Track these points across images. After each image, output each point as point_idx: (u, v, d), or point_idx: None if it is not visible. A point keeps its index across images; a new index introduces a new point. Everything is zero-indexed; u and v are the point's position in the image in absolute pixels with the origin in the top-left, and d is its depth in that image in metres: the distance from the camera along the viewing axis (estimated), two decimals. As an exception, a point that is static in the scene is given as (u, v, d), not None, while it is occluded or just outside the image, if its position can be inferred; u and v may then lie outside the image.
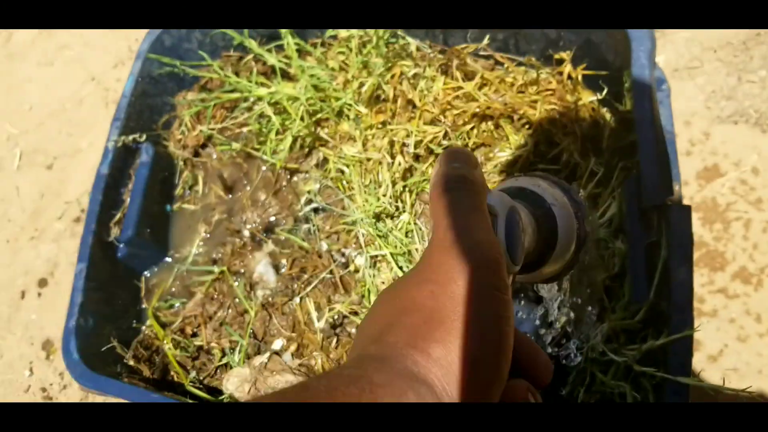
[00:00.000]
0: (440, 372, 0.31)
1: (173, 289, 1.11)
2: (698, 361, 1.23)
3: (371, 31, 1.10)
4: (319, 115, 1.12)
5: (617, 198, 0.89)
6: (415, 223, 1.06)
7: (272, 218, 1.13)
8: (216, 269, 1.08)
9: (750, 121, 1.35)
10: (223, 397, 0.97)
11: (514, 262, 0.38)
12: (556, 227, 0.46)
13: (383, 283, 1.04)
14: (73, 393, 1.46)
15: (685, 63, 1.44)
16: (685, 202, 1.33)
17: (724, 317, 1.25)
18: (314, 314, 1.00)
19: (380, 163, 1.06)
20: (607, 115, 0.98)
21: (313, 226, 1.09)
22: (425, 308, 0.33)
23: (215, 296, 1.07)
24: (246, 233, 1.12)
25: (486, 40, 1.04)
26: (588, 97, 0.99)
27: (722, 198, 1.32)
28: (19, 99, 1.82)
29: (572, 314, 0.93)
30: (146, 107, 1.15)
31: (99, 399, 1.44)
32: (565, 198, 0.48)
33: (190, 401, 0.91)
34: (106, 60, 1.80)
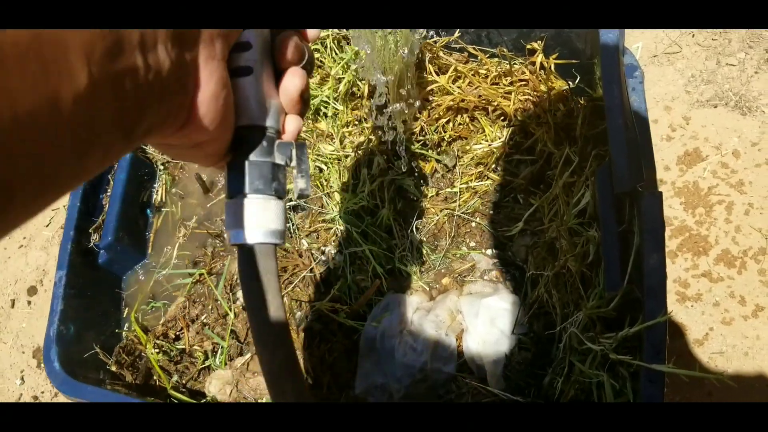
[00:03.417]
0: None
1: (155, 293, 1.12)
2: (684, 346, 1.23)
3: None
4: (295, 114, 1.12)
5: (591, 186, 0.89)
6: (394, 219, 1.06)
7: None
8: (196, 272, 1.08)
9: (729, 104, 1.35)
10: (205, 400, 0.97)
11: None
12: None
13: (363, 279, 1.04)
14: (64, 400, 1.47)
15: (664, 48, 1.44)
16: (667, 187, 1.33)
17: (708, 301, 1.25)
18: (296, 314, 1.00)
19: (358, 160, 1.06)
20: (581, 104, 0.98)
21: (293, 224, 1.09)
22: None
23: (197, 299, 1.07)
24: (226, 235, 1.12)
25: (457, 33, 1.03)
26: (561, 86, 0.99)
27: (704, 182, 1.32)
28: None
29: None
30: (122, 112, 1.15)
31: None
32: None
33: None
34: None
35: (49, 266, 1.60)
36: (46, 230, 1.65)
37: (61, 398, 1.47)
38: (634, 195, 0.80)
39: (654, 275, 0.77)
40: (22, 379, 1.51)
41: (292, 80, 0.45)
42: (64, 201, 1.65)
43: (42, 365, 1.52)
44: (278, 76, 0.45)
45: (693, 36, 1.43)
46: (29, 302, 1.58)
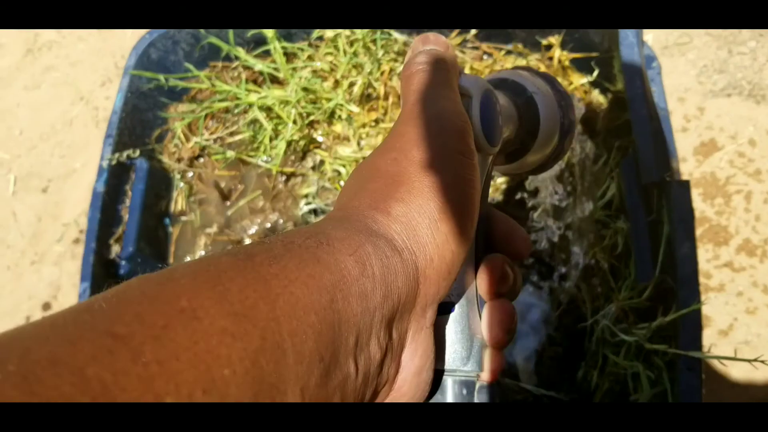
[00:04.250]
0: (400, 227, 0.31)
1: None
2: (709, 337, 1.22)
3: (357, 30, 1.10)
4: (311, 118, 1.12)
5: (616, 178, 0.89)
6: (415, 219, 1.06)
7: (272, 224, 1.13)
8: (219, 279, 1.07)
9: (743, 93, 1.35)
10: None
11: (491, 143, 0.38)
12: (539, 115, 0.45)
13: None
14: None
15: (675, 39, 1.43)
16: (684, 178, 1.32)
17: (731, 291, 1.25)
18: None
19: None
20: (600, 97, 0.98)
21: (313, 228, 1.09)
22: (388, 174, 0.33)
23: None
24: (247, 241, 1.12)
25: (473, 31, 1.03)
26: (579, 80, 0.99)
27: (721, 172, 1.32)
28: (8, 124, 1.81)
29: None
30: (138, 122, 1.14)
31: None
32: (548, 87, 0.47)
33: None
34: (93, 79, 1.80)
35: (63, 281, 1.59)
36: (58, 245, 1.64)
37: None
38: (661, 185, 0.80)
39: (686, 264, 0.76)
40: (41, 395, 1.50)
41: (499, 316, 0.37)
42: (73, 215, 1.65)
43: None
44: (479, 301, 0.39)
45: (702, 26, 1.43)
46: (45, 318, 1.57)
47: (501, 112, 0.40)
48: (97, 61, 1.81)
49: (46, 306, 1.57)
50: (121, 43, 1.80)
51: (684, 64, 1.41)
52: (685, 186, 0.77)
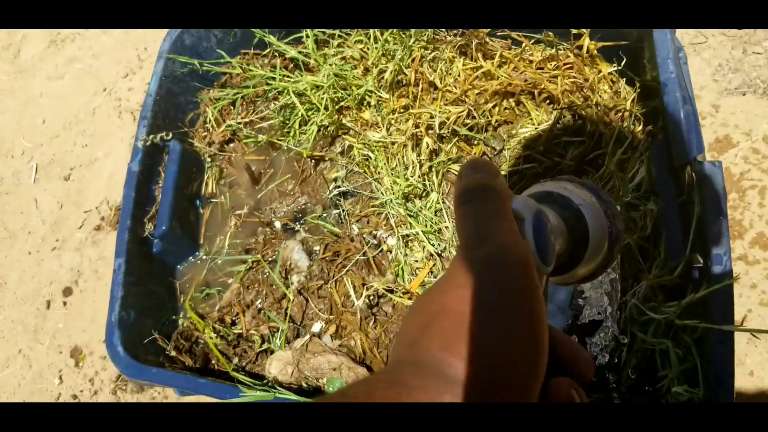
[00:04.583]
0: (475, 371, 0.31)
1: (208, 281, 1.13)
2: (725, 327, 1.24)
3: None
4: (341, 104, 1.14)
5: (645, 162, 0.92)
6: (443, 202, 1.08)
7: (301, 206, 1.15)
8: (251, 258, 1.09)
9: (758, 91, 1.38)
10: (266, 381, 0.98)
11: (545, 264, 0.38)
12: (587, 227, 0.45)
13: (416, 261, 1.06)
14: (104, 398, 1.47)
15: (690, 39, 1.47)
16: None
17: (745, 283, 1.27)
18: (353, 294, 1.02)
19: (405, 145, 1.08)
20: (627, 85, 1.01)
21: (343, 211, 1.11)
22: (456, 312, 0.33)
23: (250, 285, 1.08)
24: (277, 223, 1.14)
25: (503, 20, 1.06)
26: (607, 69, 1.01)
27: (736, 168, 1.35)
28: (32, 113, 1.84)
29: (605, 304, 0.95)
30: (171, 106, 1.17)
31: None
32: (593, 198, 0.47)
33: (237, 385, 0.92)
34: (116, 70, 1.82)
35: (84, 267, 1.61)
36: (79, 232, 1.66)
37: (101, 397, 1.47)
38: (693, 165, 0.83)
39: (719, 240, 0.79)
40: (61, 378, 1.51)
41: None
42: (95, 203, 1.67)
43: (80, 365, 1.52)
44: None
45: (718, 27, 1.47)
46: (65, 303, 1.59)
47: (552, 230, 0.40)
48: (120, 53, 1.84)
49: (67, 291, 1.59)
50: (143, 36, 1.82)
51: (699, 62, 1.44)
52: (718, 166, 0.80)
